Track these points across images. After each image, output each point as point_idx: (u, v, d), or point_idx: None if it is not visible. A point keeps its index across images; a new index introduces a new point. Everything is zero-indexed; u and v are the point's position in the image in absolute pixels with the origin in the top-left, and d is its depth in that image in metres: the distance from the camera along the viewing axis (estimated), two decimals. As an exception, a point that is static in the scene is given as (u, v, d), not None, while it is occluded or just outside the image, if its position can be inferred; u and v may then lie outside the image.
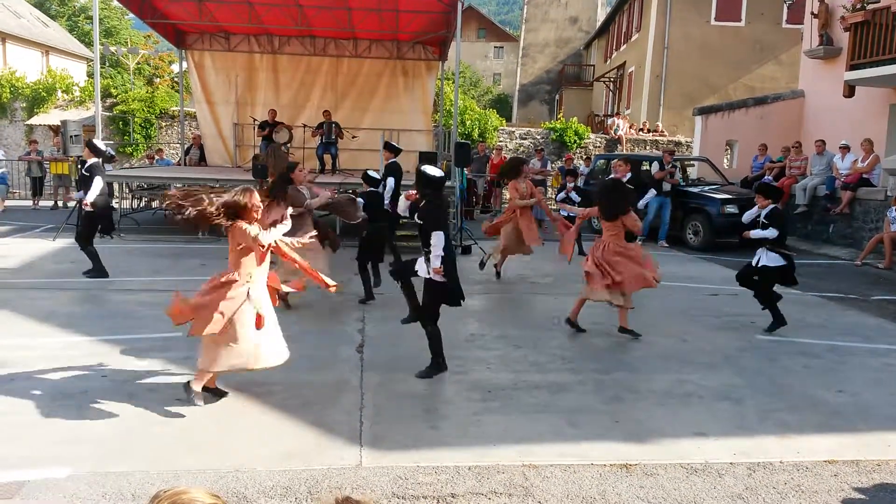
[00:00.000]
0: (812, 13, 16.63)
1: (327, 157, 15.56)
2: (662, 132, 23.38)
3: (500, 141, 21.98)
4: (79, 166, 9.49)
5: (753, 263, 7.48)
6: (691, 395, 5.54)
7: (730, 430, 4.88)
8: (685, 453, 4.46)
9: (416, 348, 6.11)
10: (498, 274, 9.98)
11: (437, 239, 5.53)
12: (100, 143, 9.63)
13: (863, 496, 3.99)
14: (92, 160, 9.17)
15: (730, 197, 13.81)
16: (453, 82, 14.86)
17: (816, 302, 9.13)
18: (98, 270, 9.06)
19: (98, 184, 8.96)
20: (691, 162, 17.26)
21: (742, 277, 7.72)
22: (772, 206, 7.37)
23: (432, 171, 5.78)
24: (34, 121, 21.56)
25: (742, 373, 6.13)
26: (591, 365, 6.23)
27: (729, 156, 19.01)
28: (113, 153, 18.31)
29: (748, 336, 7.31)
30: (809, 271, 11.08)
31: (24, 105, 21.85)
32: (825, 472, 4.26)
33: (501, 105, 45.34)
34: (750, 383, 5.86)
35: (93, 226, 9.19)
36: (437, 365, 5.79)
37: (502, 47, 57.13)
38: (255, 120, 16.16)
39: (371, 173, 8.73)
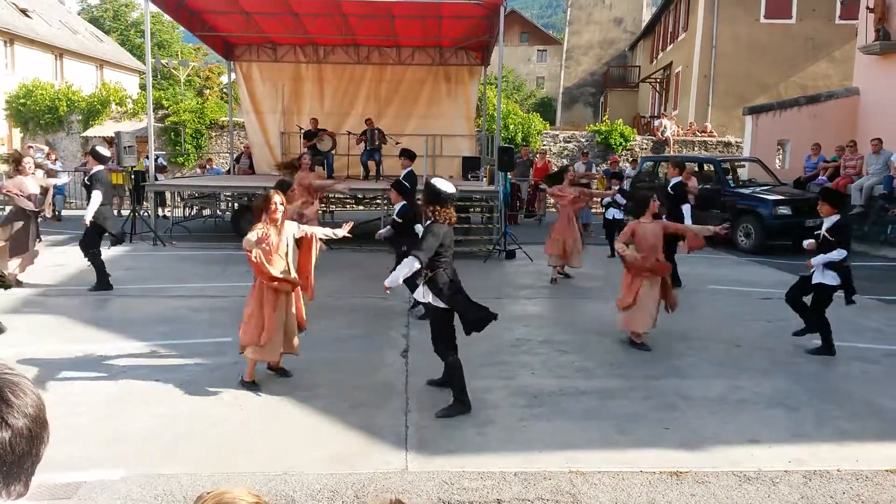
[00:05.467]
0: (868, 7, 16.12)
1: (371, 164, 15.72)
2: (711, 133, 22.96)
3: (544, 145, 21.87)
4: (83, 176, 9.11)
5: (810, 280, 6.74)
6: (745, 402, 5.40)
7: (784, 437, 4.74)
8: (738, 461, 4.34)
9: (462, 354, 6.09)
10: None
11: (407, 263, 5.01)
12: (103, 149, 9.36)
13: (927, 507, 3.83)
14: (96, 168, 8.95)
15: (782, 198, 13.43)
16: (496, 87, 14.82)
17: (874, 305, 8.82)
18: (102, 284, 8.85)
19: (97, 198, 8.62)
20: (742, 163, 16.90)
21: (792, 300, 6.92)
22: (836, 217, 6.56)
23: (441, 184, 5.17)
24: (89, 133, 22.24)
25: (797, 379, 5.95)
26: (641, 371, 6.12)
27: (781, 156, 18.54)
28: (165, 163, 18.86)
29: (802, 341, 7.10)
30: (866, 274, 10.72)
31: (80, 118, 22.57)
32: (886, 481, 4.10)
33: (545, 109, 45.12)
34: (805, 389, 5.68)
35: (95, 235, 8.90)
36: (461, 403, 5.08)
37: (545, 50, 56.95)
38: (300, 128, 16.46)
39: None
